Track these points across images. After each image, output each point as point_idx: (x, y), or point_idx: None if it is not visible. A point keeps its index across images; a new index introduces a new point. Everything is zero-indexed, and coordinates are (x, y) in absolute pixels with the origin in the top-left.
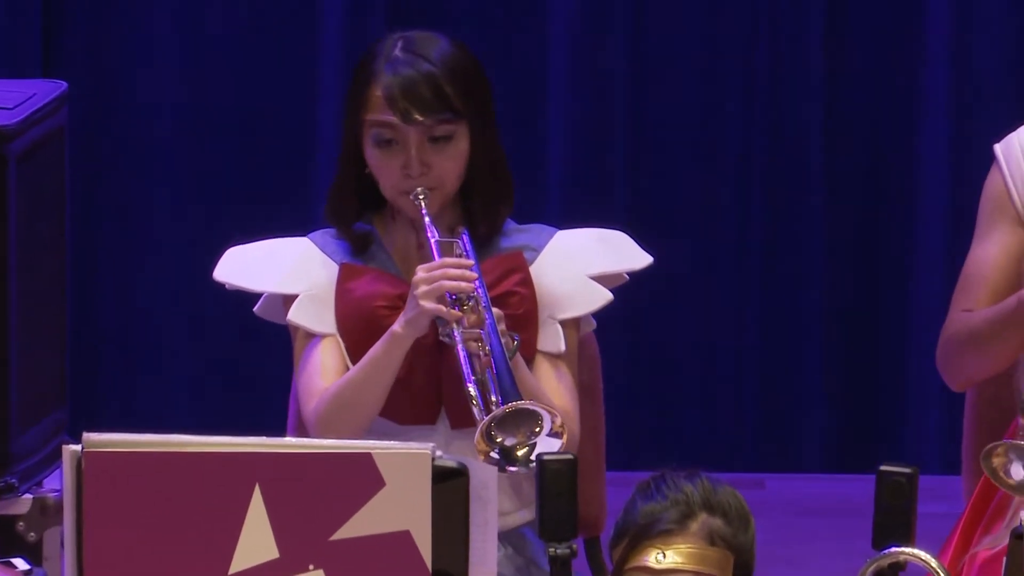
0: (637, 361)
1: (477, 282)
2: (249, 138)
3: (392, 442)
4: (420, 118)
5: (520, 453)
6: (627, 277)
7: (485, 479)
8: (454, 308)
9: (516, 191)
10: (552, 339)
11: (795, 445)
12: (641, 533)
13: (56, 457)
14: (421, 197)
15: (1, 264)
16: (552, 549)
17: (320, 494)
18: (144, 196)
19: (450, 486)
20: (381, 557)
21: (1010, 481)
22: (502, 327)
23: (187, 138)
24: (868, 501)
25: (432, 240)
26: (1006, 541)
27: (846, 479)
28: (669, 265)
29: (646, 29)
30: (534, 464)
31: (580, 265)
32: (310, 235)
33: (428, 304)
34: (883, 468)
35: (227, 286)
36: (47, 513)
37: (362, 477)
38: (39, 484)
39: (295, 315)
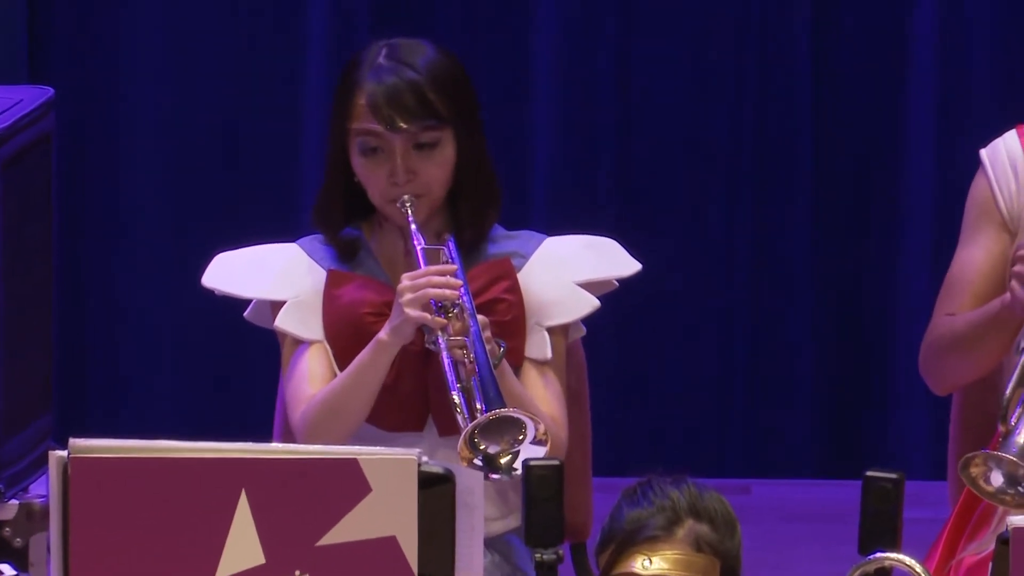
0: (624, 366)
1: (462, 289)
2: (235, 144)
3: (378, 448)
4: (404, 126)
5: (503, 460)
6: (616, 284)
7: (471, 485)
8: (439, 315)
9: (503, 196)
10: (539, 346)
11: (781, 451)
12: (627, 539)
13: (42, 463)
14: (408, 204)
15: None
16: (538, 555)
17: (306, 500)
18: (131, 202)
19: (436, 492)
20: (367, 563)
21: (989, 489)
22: (487, 334)
23: (174, 144)
24: (854, 507)
25: (418, 248)
26: (992, 547)
27: (832, 485)
28: (657, 270)
29: (633, 34)
30: (517, 472)
31: (568, 272)
32: (298, 241)
33: (413, 312)
34: (869, 474)
35: (215, 292)
36: (33, 519)
37: (348, 483)
38: (25, 490)
39: (282, 322)
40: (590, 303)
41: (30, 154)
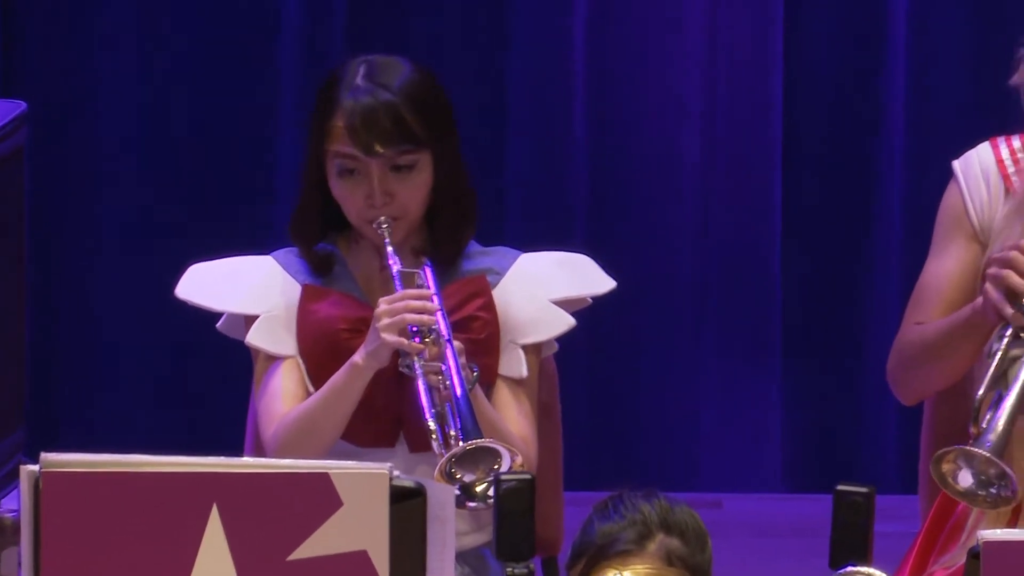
0: (595, 381)
1: (439, 314)
2: (209, 157)
3: (349, 462)
4: (382, 150)
5: (479, 489)
6: (590, 301)
7: (443, 499)
8: (415, 340)
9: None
10: (514, 364)
11: (752, 465)
12: (599, 553)
13: (14, 477)
14: (384, 226)
15: None
16: (509, 569)
17: (278, 514)
18: (103, 215)
19: (408, 506)
20: None
21: (958, 487)
22: (463, 359)
23: (147, 157)
24: (825, 521)
25: (394, 270)
26: (962, 560)
27: (803, 499)
28: (629, 285)
29: (605, 50)
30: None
31: (543, 289)
32: (273, 254)
33: (390, 337)
34: (840, 487)
35: (189, 304)
36: (5, 533)
37: (320, 497)
38: None
39: (254, 337)
40: (565, 321)
41: (2, 167)
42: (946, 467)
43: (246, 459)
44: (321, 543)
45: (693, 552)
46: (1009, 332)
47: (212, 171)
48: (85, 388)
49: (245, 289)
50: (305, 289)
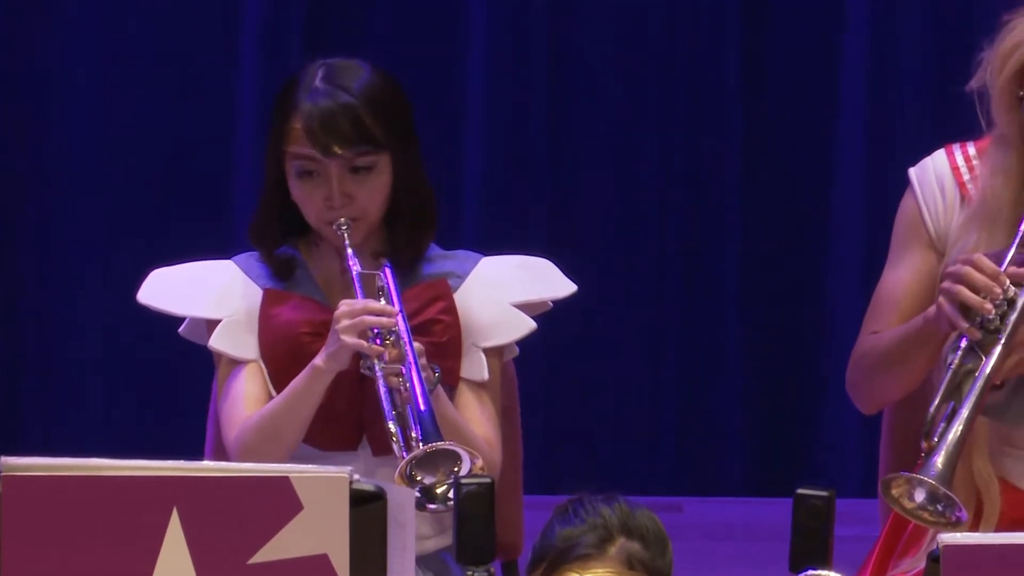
0: (555, 385)
1: (399, 316)
2: (167, 163)
3: (310, 466)
4: (340, 151)
5: (440, 491)
6: (551, 305)
7: (403, 502)
8: (375, 342)
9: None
10: (476, 367)
11: (713, 469)
12: (559, 557)
13: None
14: (344, 228)
15: None
16: (470, 573)
17: (238, 518)
18: (63, 222)
19: (368, 510)
20: None
21: (910, 506)
22: (423, 360)
23: (105, 164)
24: (786, 525)
25: (354, 272)
26: (923, 564)
27: (764, 503)
28: (588, 289)
29: (564, 53)
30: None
31: (504, 293)
32: (234, 258)
33: (349, 339)
34: (800, 491)
35: (151, 309)
36: None
37: (280, 501)
38: None
39: (216, 342)
40: (527, 325)
41: None
42: (896, 491)
43: (207, 463)
44: (282, 547)
45: (654, 556)
46: (964, 344)
47: (172, 176)
48: (46, 391)
49: (207, 294)
50: (266, 293)
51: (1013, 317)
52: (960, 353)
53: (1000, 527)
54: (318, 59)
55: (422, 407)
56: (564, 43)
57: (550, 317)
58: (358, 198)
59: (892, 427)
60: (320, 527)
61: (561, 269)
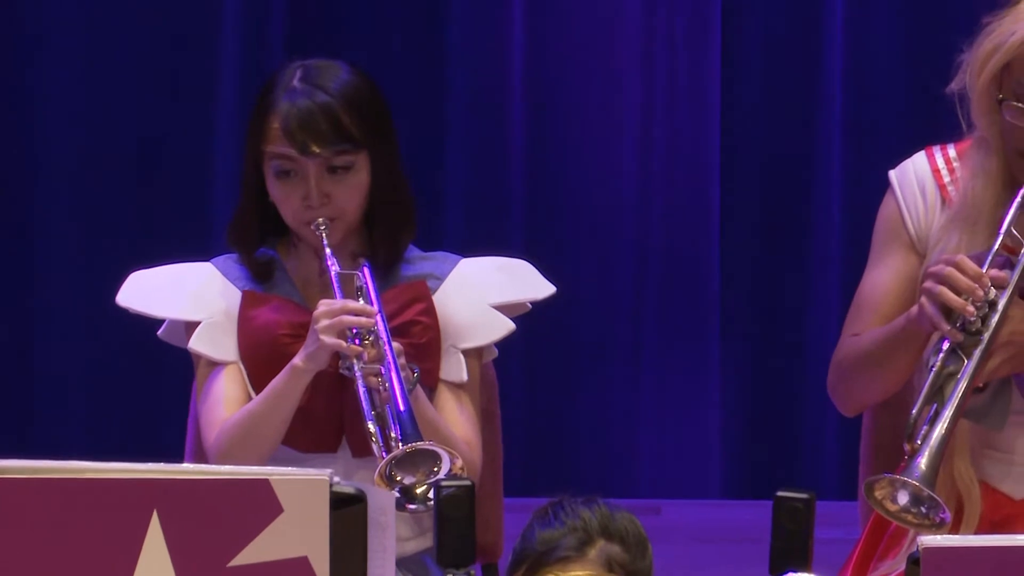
0: (535, 386)
1: (378, 316)
2: (147, 162)
3: (290, 468)
4: (318, 150)
5: (419, 491)
6: (530, 306)
7: (383, 505)
8: (354, 342)
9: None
10: (455, 368)
11: (692, 471)
12: (539, 560)
13: None
14: (322, 227)
15: None
16: (450, 575)
17: (218, 520)
18: (40, 224)
19: (348, 512)
20: None
21: (894, 508)
22: (402, 360)
23: (83, 166)
24: (765, 527)
25: (332, 272)
26: (902, 567)
27: (743, 505)
28: (567, 290)
29: (544, 54)
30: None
31: (483, 294)
32: (213, 260)
33: (328, 339)
34: (780, 494)
35: (130, 311)
36: None
37: (260, 503)
38: None
39: (196, 343)
40: (506, 326)
41: None
42: (879, 493)
43: (186, 465)
44: (261, 549)
45: (634, 558)
46: (946, 346)
47: (150, 175)
48: (24, 393)
49: (186, 296)
50: (245, 295)
51: (994, 320)
52: (942, 355)
53: (980, 529)
54: (296, 60)
55: (401, 407)
56: (543, 45)
57: (531, 318)
58: (336, 197)
59: (873, 430)
60: (300, 530)
61: (540, 270)
